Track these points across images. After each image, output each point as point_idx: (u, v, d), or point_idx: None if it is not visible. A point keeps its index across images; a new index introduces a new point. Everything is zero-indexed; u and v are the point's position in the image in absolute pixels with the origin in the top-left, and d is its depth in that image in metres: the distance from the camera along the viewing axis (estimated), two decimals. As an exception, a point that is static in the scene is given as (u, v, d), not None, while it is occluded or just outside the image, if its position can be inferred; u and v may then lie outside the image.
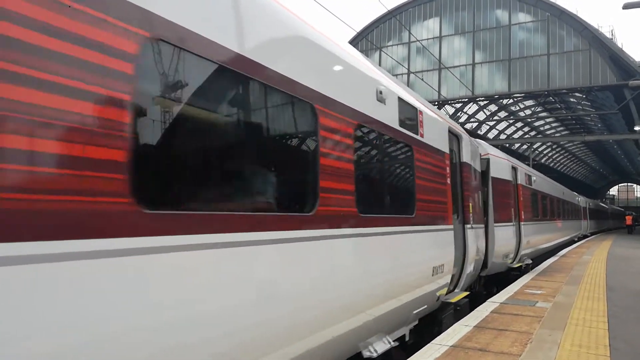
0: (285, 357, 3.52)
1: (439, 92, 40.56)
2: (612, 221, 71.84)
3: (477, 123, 44.74)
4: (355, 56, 5.07)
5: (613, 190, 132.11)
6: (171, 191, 2.78)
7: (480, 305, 8.32)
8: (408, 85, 43.72)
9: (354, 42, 44.83)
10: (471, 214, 8.89)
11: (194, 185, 2.92)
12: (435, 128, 7.32)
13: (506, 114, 48.04)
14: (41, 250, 1.98)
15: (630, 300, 8.92)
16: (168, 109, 2.74)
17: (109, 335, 2.24)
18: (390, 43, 45.72)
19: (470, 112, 45.23)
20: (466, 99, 41.99)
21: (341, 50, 4.71)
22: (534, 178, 17.32)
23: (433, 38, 43.72)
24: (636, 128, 34.75)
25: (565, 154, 73.46)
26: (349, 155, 4.50)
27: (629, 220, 52.43)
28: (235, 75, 3.18)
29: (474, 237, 9.08)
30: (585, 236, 37.90)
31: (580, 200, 36.87)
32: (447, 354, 5.30)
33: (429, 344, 5.71)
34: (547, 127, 57.30)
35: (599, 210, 54.51)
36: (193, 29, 2.83)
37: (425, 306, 6.58)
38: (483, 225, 10.56)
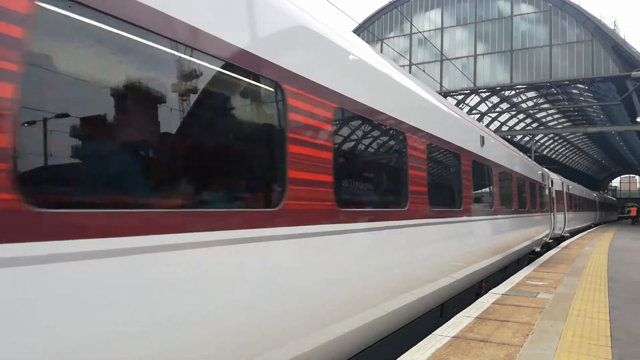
0: None
1: (440, 83, 40.45)
2: (601, 213, 55.89)
3: (479, 115, 44.62)
4: None
5: (615, 182, 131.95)
6: None
7: (482, 297, 8.34)
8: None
9: (355, 33, 44.62)
10: None
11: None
12: None
13: (508, 105, 47.92)
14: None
15: (632, 291, 8.94)
16: None
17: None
18: (391, 34, 45.54)
19: (472, 103, 45.14)
20: (468, 91, 41.87)
21: None
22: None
23: (435, 29, 43.54)
24: (638, 119, 34.66)
25: (567, 146, 73.30)
26: None
27: (633, 211, 54.84)
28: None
29: None
30: (559, 238, 24.42)
31: (554, 180, 23.33)
32: (449, 344, 5.32)
33: (430, 335, 5.73)
34: (549, 118, 57.13)
35: (584, 198, 38.82)
36: None
37: None
38: None
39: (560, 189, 25.05)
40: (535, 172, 17.60)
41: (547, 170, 22.47)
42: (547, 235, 19.42)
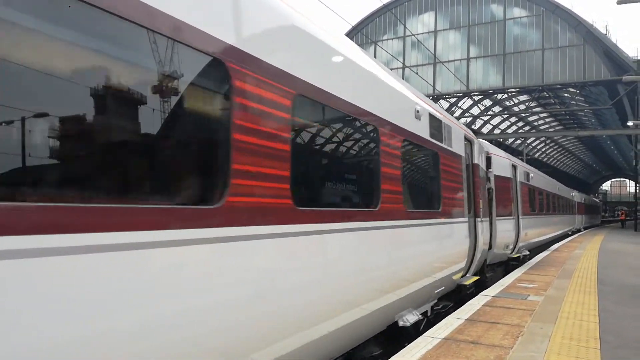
0: None
1: (433, 86, 40.61)
2: (581, 217, 42.68)
3: (471, 118, 44.84)
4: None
5: (606, 186, 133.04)
6: None
7: (473, 299, 8.37)
8: (403, 80, 43.68)
9: (349, 36, 44.79)
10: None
11: None
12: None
13: (500, 108, 48.23)
14: None
15: (621, 294, 9.00)
16: None
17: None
18: (385, 37, 45.69)
19: (464, 106, 45.35)
20: (460, 94, 42.09)
21: None
22: None
23: (428, 32, 43.74)
24: (629, 123, 34.92)
25: (558, 149, 73.81)
26: None
27: (622, 215, 56.98)
28: None
29: None
30: (516, 261, 14.80)
31: (494, 158, 13.06)
32: (439, 346, 5.33)
33: (421, 336, 5.74)
34: (541, 122, 57.53)
35: (557, 197, 26.86)
36: None
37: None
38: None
39: (509, 175, 14.46)
40: (417, 125, 7.03)
41: (483, 141, 12.75)
42: (462, 270, 9.05)
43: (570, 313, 7.14)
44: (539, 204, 20.14)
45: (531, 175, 18.75)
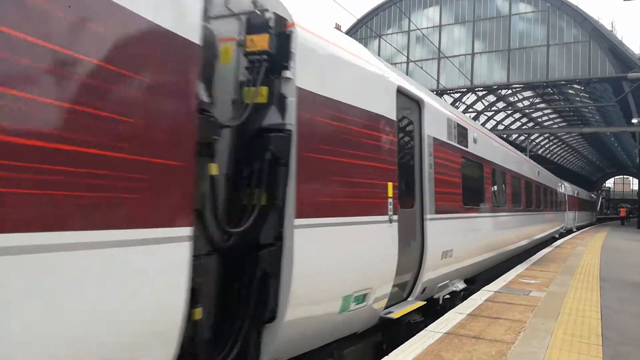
0: None
1: (437, 81, 40.47)
2: (574, 215, 35.33)
3: (475, 113, 44.70)
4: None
5: (609, 183, 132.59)
6: None
7: (475, 294, 8.37)
8: (407, 74, 43.59)
9: (353, 29, 44.65)
10: None
11: None
12: None
13: (504, 104, 48.02)
14: None
15: (623, 291, 9.00)
16: None
17: None
18: (390, 31, 45.50)
19: (468, 102, 45.20)
20: (465, 89, 41.92)
21: None
22: None
23: (433, 27, 43.52)
24: (634, 120, 34.80)
25: (562, 146, 73.55)
26: None
27: (622, 212, 56.11)
28: None
29: None
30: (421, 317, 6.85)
31: (358, 60, 5.07)
32: (441, 340, 5.34)
33: (422, 331, 5.75)
34: (544, 118, 57.29)
35: (536, 185, 18.13)
36: None
37: None
38: None
39: (390, 114, 5.63)
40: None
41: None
42: None
43: (573, 309, 7.14)
44: (495, 192, 11.65)
45: (474, 135, 9.68)
